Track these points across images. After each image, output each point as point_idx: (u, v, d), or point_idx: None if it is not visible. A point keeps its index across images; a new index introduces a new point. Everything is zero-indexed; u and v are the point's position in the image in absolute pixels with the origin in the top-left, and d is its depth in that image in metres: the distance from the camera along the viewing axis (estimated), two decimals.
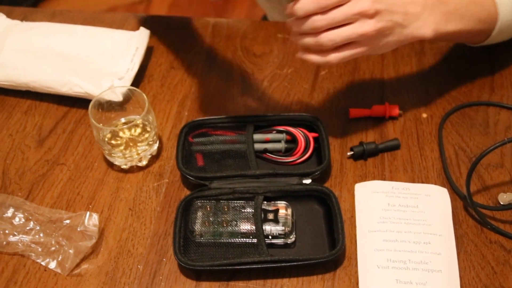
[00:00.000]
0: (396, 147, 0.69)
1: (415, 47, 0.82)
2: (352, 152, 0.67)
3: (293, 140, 0.69)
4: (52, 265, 0.58)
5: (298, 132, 0.68)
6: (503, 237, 0.60)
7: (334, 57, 0.59)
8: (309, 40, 0.59)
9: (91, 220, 0.59)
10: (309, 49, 0.61)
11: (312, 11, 0.57)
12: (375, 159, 0.68)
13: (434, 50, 0.81)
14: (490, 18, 0.68)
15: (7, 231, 0.60)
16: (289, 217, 0.60)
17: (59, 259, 0.58)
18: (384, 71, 0.79)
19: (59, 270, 0.57)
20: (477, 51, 0.77)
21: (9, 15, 0.84)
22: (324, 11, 0.57)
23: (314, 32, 0.58)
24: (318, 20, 0.57)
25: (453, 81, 0.76)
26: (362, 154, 0.67)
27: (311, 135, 0.68)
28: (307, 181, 0.63)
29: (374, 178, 0.65)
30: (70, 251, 0.58)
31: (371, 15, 0.57)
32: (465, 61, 0.79)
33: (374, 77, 0.78)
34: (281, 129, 0.69)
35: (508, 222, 0.61)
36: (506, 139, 0.61)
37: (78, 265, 0.58)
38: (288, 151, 0.68)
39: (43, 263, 0.58)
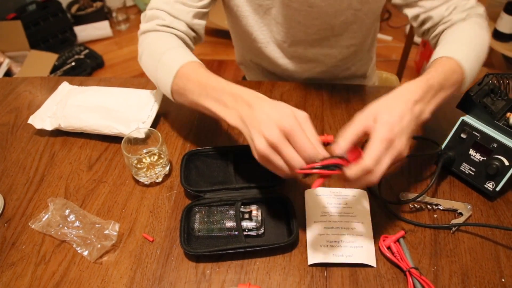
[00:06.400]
0: None
1: (344, 96, 0.81)
2: None
3: None
4: (85, 253, 0.57)
5: None
6: (402, 222, 0.60)
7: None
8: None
9: (114, 227, 0.58)
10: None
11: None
12: None
13: (356, 99, 0.81)
14: (460, 77, 0.60)
15: (61, 225, 0.59)
16: (259, 216, 0.59)
17: (90, 249, 0.57)
18: (324, 113, 0.78)
19: (88, 257, 0.56)
20: None
21: (71, 82, 0.85)
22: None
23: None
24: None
25: None
26: None
27: None
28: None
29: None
30: (98, 245, 0.56)
31: (393, 140, 0.48)
32: None
33: (317, 117, 0.77)
34: None
35: (406, 212, 0.61)
36: None
37: (101, 256, 0.56)
38: None
39: (79, 251, 0.57)
